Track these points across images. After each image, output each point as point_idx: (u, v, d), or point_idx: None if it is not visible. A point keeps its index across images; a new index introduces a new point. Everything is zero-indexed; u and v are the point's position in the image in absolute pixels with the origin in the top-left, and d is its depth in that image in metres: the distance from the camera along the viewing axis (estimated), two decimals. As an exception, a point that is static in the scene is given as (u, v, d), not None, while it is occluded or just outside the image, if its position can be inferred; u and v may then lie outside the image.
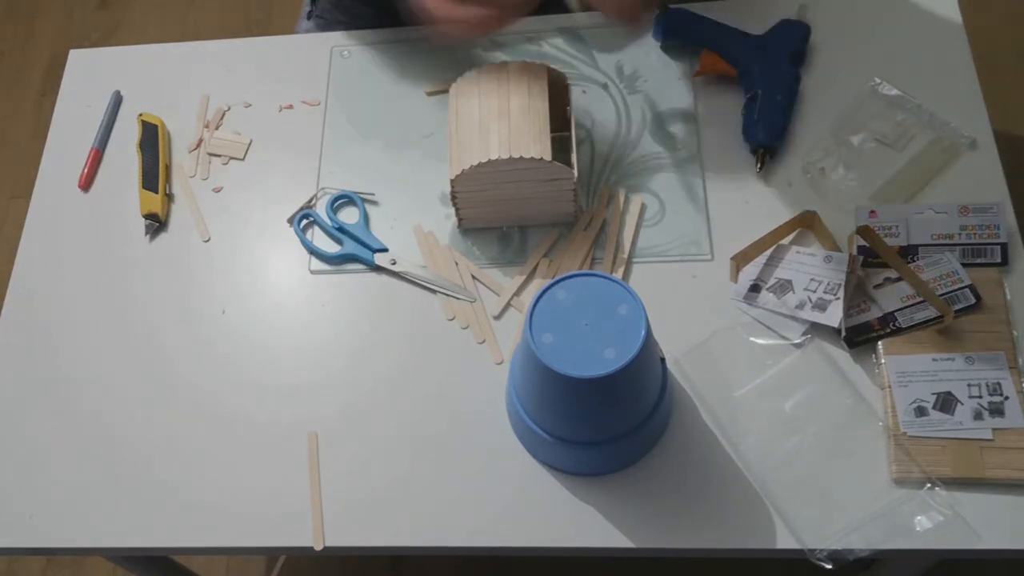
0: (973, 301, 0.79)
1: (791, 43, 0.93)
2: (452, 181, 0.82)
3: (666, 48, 0.97)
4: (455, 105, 0.86)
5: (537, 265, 0.87)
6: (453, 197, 0.84)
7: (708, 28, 0.94)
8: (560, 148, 0.85)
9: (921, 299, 0.80)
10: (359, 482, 0.80)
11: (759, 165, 0.88)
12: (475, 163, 0.80)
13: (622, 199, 0.89)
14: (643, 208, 0.89)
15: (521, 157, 0.79)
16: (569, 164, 0.82)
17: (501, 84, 0.84)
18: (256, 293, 0.90)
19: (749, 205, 0.88)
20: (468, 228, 0.89)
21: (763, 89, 0.89)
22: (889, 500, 0.74)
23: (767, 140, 0.88)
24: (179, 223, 0.94)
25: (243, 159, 0.97)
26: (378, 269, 0.89)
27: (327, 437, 0.82)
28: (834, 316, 0.79)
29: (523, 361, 0.71)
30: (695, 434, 0.79)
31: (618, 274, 0.85)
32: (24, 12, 2.07)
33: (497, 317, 0.85)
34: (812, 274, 0.82)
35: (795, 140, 0.90)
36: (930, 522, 0.72)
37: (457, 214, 0.87)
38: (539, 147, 0.80)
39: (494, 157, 0.80)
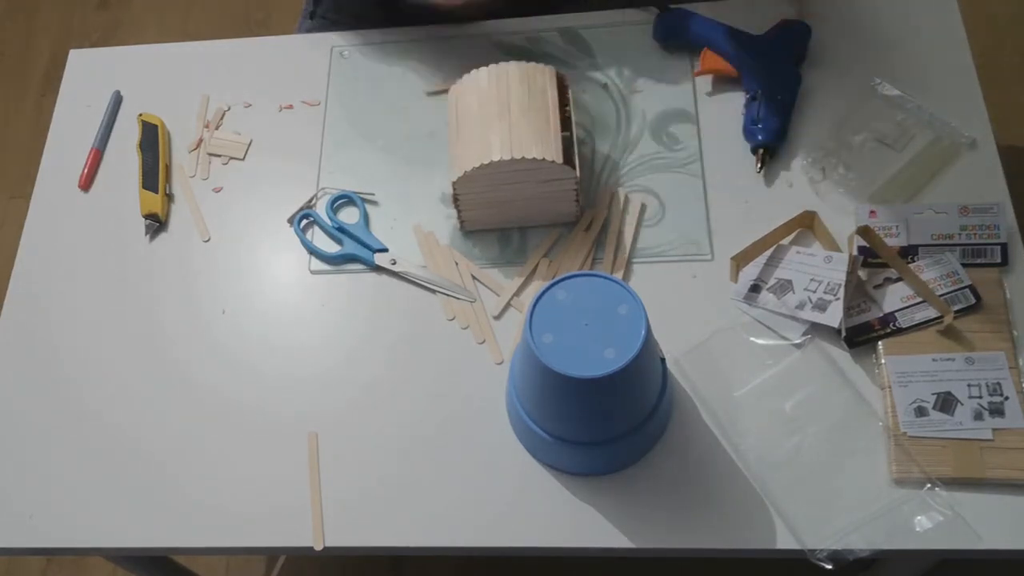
0: (973, 301, 0.79)
1: (791, 43, 0.93)
2: (454, 184, 0.82)
3: (667, 47, 0.97)
4: (455, 107, 0.86)
5: (537, 265, 0.87)
6: (455, 199, 0.84)
7: (708, 27, 0.94)
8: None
9: (921, 299, 0.80)
10: (359, 482, 0.80)
11: (759, 165, 0.88)
12: (476, 165, 0.80)
13: (622, 199, 0.89)
14: (643, 208, 0.89)
15: (523, 158, 0.79)
16: (571, 164, 0.82)
17: (501, 85, 0.83)
18: (256, 293, 0.90)
19: (749, 205, 0.88)
20: (470, 230, 0.89)
21: (763, 89, 0.89)
22: (889, 500, 0.74)
23: (767, 140, 0.88)
24: (179, 223, 0.94)
25: (243, 159, 0.97)
26: (378, 269, 0.89)
27: (327, 437, 0.82)
28: (834, 316, 0.79)
29: (523, 361, 0.71)
30: (695, 434, 0.79)
31: (618, 274, 0.85)
32: (24, 12, 2.07)
33: (497, 317, 0.85)
34: (812, 274, 0.82)
35: (795, 140, 0.90)
36: (930, 522, 0.72)
37: (459, 216, 0.87)
38: (540, 148, 0.80)
39: (495, 159, 0.79)
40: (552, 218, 0.88)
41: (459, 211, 0.86)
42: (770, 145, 0.88)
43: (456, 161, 0.82)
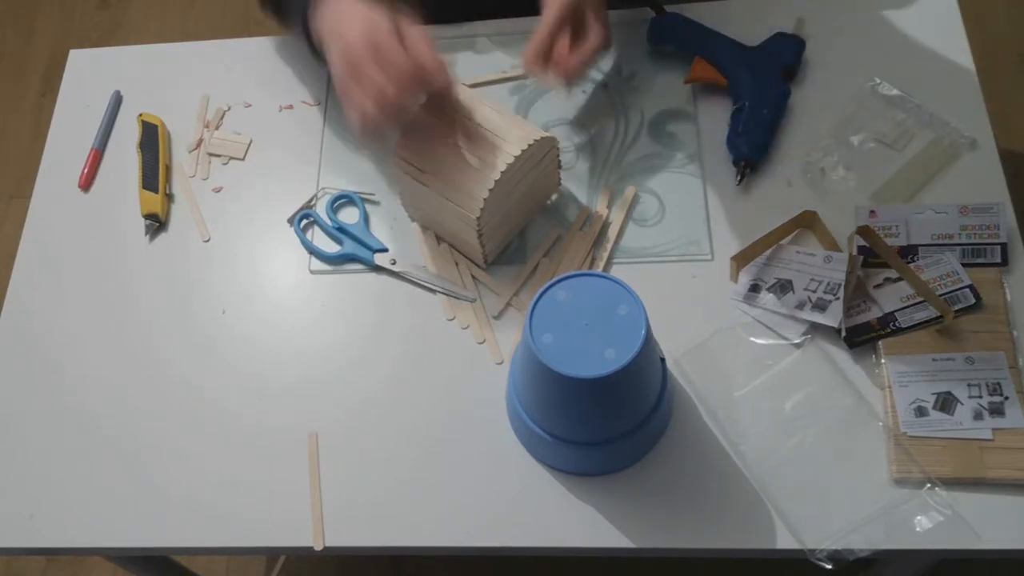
0: (973, 301, 0.79)
1: (784, 57, 0.91)
2: (478, 219, 0.79)
3: (658, 52, 0.97)
4: (419, 163, 0.82)
5: (537, 265, 0.87)
6: (479, 235, 0.81)
7: (701, 35, 0.93)
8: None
9: (921, 299, 0.80)
10: (359, 482, 0.80)
11: (739, 178, 0.87)
12: (491, 187, 0.78)
13: (623, 199, 0.89)
14: (642, 207, 0.89)
15: (522, 151, 0.79)
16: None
17: (447, 122, 0.81)
18: (256, 293, 0.89)
19: (749, 205, 0.88)
20: (492, 262, 0.87)
21: (750, 102, 0.88)
22: (889, 500, 0.74)
23: (748, 154, 0.87)
24: (179, 223, 0.94)
25: (243, 159, 0.97)
26: (378, 269, 0.89)
27: (327, 437, 0.82)
28: (834, 316, 0.79)
29: (523, 361, 0.71)
30: (695, 434, 0.79)
31: (617, 274, 0.85)
32: (24, 12, 2.07)
33: (497, 317, 0.85)
34: (812, 274, 0.82)
35: (795, 140, 0.90)
36: (930, 522, 0.72)
37: (483, 251, 0.84)
38: (521, 132, 0.79)
39: (503, 168, 0.79)
40: (544, 197, 0.88)
41: (483, 245, 0.83)
42: (751, 159, 0.87)
43: (465, 199, 0.79)
